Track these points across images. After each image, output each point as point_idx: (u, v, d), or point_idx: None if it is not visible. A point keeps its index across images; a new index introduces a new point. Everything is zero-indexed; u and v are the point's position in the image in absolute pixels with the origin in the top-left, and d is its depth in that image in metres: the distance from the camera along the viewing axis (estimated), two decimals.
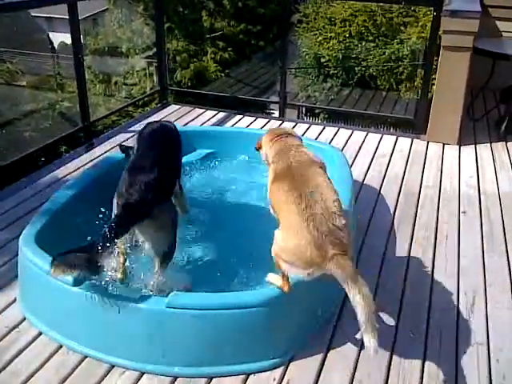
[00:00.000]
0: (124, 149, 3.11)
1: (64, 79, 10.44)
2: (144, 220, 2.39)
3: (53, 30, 18.26)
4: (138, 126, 4.90)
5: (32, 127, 8.77)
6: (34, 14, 15.49)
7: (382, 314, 2.63)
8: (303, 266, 2.09)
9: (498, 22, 5.61)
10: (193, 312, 2.21)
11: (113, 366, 2.29)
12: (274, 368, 2.30)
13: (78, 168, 4.02)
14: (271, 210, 2.42)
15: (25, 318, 2.54)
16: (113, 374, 2.26)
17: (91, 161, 4.13)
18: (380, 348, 2.39)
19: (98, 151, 4.36)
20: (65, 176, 3.90)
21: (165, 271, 2.55)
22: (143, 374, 2.26)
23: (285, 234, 2.16)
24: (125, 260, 2.63)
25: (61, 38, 15.80)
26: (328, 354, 2.38)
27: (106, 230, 2.23)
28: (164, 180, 2.58)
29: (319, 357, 2.36)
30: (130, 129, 4.89)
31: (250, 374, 2.27)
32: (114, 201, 2.50)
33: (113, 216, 2.46)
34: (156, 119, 5.04)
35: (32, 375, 2.24)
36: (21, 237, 2.62)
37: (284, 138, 2.58)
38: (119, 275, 2.63)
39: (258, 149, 2.72)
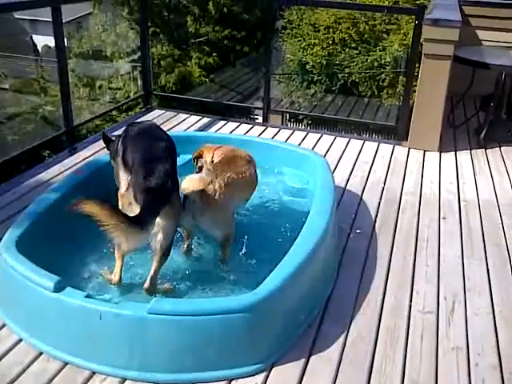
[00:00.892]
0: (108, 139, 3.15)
1: (47, 83, 10.36)
2: (165, 206, 2.45)
3: (36, 32, 18.12)
4: (122, 131, 4.88)
5: (14, 131, 8.69)
6: (17, 17, 15.37)
7: (363, 317, 2.66)
8: None
9: (477, 31, 5.71)
10: (174, 318, 2.21)
11: (94, 373, 2.27)
12: (257, 373, 2.30)
13: (61, 172, 4.00)
14: None
15: (4, 325, 2.51)
16: (94, 381, 2.24)
17: (74, 165, 4.11)
18: (361, 352, 2.44)
19: (81, 155, 4.33)
20: (48, 180, 3.87)
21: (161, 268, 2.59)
22: (125, 380, 2.25)
23: None
24: (122, 264, 2.63)
25: (44, 40, 15.68)
26: (310, 358, 2.39)
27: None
28: (175, 169, 2.68)
29: (302, 361, 2.37)
30: (114, 133, 4.86)
31: (233, 379, 2.27)
32: (128, 192, 2.52)
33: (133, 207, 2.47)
34: None
35: (12, 382, 2.21)
36: (1, 242, 2.59)
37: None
38: (116, 278, 2.63)
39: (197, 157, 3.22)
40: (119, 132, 4.80)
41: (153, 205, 2.42)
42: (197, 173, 3.20)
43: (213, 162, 3.09)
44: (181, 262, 2.92)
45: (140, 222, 2.34)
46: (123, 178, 2.72)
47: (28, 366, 2.29)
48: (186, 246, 2.96)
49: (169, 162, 2.62)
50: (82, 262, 2.82)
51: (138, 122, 3.14)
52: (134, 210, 2.44)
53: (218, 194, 2.72)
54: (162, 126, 4.90)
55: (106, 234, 2.33)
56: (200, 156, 3.22)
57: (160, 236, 2.50)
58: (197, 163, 3.25)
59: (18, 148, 4.58)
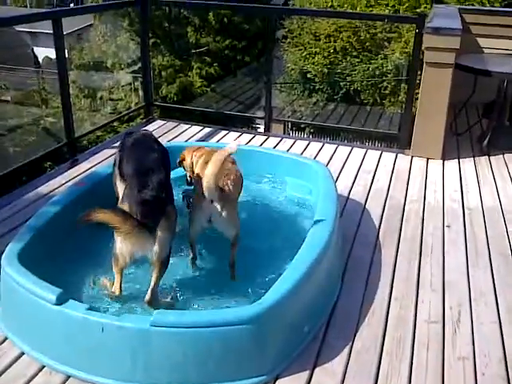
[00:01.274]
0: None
1: (49, 94, 10.41)
2: (161, 217, 2.48)
3: (37, 44, 18.23)
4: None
5: (16, 143, 8.72)
6: (18, 29, 15.47)
7: (368, 327, 2.63)
8: None
9: (479, 39, 5.71)
10: (177, 330, 2.19)
11: None
12: None
13: (63, 184, 3.99)
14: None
15: (6, 338, 2.49)
16: None
17: (76, 177, 4.10)
18: (366, 363, 2.41)
19: (82, 167, 4.33)
20: (49, 192, 3.87)
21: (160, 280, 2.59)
22: None
23: None
24: (121, 278, 2.62)
25: (45, 52, 15.77)
26: (315, 370, 2.36)
27: None
28: (169, 180, 2.72)
29: (306, 373, 2.34)
30: (115, 144, 4.86)
31: None
32: (125, 205, 2.52)
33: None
34: None
35: None
36: (3, 255, 2.58)
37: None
38: (116, 292, 2.62)
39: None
40: (119, 143, 4.84)
41: (151, 215, 2.46)
42: (188, 182, 3.27)
43: (192, 163, 3.17)
44: (183, 273, 2.90)
45: (145, 226, 2.40)
46: (120, 188, 2.76)
47: (30, 380, 2.27)
48: (192, 255, 2.94)
49: (162, 173, 2.66)
50: (85, 275, 2.79)
51: (134, 132, 3.19)
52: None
53: (231, 193, 2.79)
54: (163, 137, 4.98)
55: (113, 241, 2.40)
56: (183, 159, 3.29)
57: (156, 248, 2.50)
58: (182, 167, 3.33)
59: (19, 160, 4.58)
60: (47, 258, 2.71)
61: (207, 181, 2.65)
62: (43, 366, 2.34)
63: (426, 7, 8.31)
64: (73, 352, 2.31)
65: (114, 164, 2.97)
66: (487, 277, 3.10)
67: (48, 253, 2.75)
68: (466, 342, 2.57)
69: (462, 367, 2.43)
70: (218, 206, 2.71)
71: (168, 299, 2.64)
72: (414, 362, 2.44)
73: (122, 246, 2.47)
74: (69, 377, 2.29)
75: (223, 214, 2.73)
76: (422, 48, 4.54)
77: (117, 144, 4.79)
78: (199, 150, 3.21)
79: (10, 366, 2.34)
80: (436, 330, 2.64)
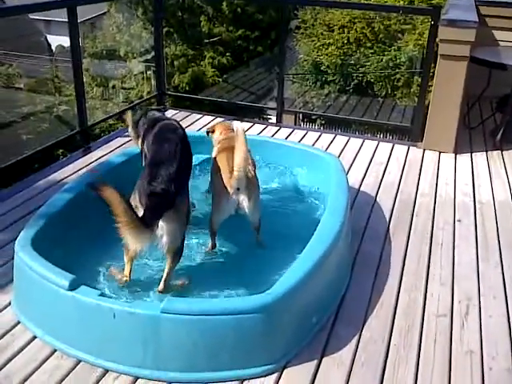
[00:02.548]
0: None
1: (61, 82, 10.45)
2: (169, 210, 2.47)
3: (50, 32, 18.27)
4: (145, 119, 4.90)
5: (29, 130, 8.78)
6: (32, 17, 15.52)
7: (376, 319, 2.65)
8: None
9: (494, 32, 5.65)
10: (187, 317, 2.21)
11: (107, 371, 2.28)
12: (269, 374, 2.30)
13: (75, 172, 4.02)
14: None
15: (19, 322, 2.53)
16: (107, 379, 2.25)
17: (88, 164, 4.14)
18: (374, 354, 2.42)
19: (94, 155, 4.36)
20: (62, 179, 3.90)
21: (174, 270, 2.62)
22: (137, 378, 2.25)
23: None
24: (131, 267, 2.66)
25: (58, 40, 15.81)
26: (322, 361, 2.38)
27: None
28: (185, 172, 2.70)
29: (314, 363, 2.36)
30: (127, 133, 4.88)
31: (245, 379, 2.27)
32: (135, 195, 2.54)
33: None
34: None
35: (26, 379, 2.23)
36: (17, 240, 2.61)
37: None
38: (124, 279, 2.65)
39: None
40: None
41: (155, 208, 2.45)
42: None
43: (217, 141, 3.30)
44: (196, 260, 2.92)
45: (144, 222, 2.38)
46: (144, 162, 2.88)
47: (42, 363, 2.31)
48: (212, 244, 2.97)
49: (175, 166, 2.61)
50: (98, 261, 2.83)
51: (160, 117, 3.17)
52: (139, 213, 2.46)
53: (255, 179, 2.87)
54: None
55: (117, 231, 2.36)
56: (212, 132, 3.43)
57: (165, 239, 2.52)
58: (209, 136, 3.46)
59: (32, 147, 4.62)
60: (60, 243, 2.74)
61: (237, 169, 2.71)
62: (55, 350, 2.38)
63: None
64: (84, 337, 2.35)
65: (142, 142, 3.02)
66: (497, 271, 3.09)
67: (61, 239, 2.78)
68: (474, 336, 2.58)
69: (470, 361, 2.43)
70: (246, 194, 2.78)
71: (180, 282, 2.67)
72: (421, 354, 2.45)
73: (125, 238, 2.47)
74: (80, 361, 2.33)
75: (251, 201, 2.81)
76: (437, 40, 4.51)
77: (128, 133, 4.86)
78: (226, 133, 3.29)
79: (22, 349, 2.39)
80: (444, 324, 2.65)
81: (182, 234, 2.60)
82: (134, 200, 2.54)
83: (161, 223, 2.48)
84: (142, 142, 3.03)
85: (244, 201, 2.80)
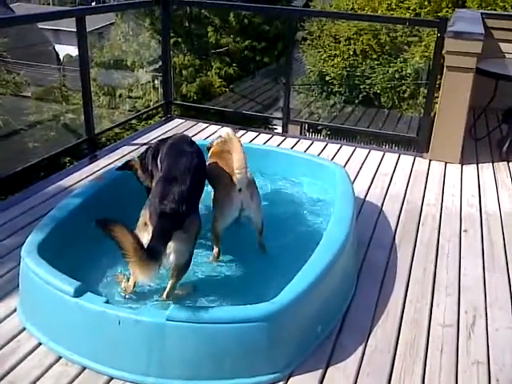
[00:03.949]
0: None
1: (69, 91, 10.53)
2: (178, 230, 2.43)
3: (59, 42, 18.43)
4: (142, 139, 4.94)
5: (36, 138, 8.83)
6: (41, 26, 15.65)
7: (382, 329, 2.64)
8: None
9: (500, 44, 5.67)
10: (193, 325, 2.21)
11: (112, 379, 2.28)
12: (274, 383, 2.29)
13: (82, 179, 4.04)
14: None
15: (24, 328, 2.53)
16: None
17: (94, 172, 4.15)
18: (379, 364, 2.41)
19: (101, 163, 4.38)
20: (68, 187, 3.92)
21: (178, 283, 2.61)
22: None
23: None
24: (135, 283, 2.65)
25: (66, 50, 15.95)
26: (328, 369, 2.37)
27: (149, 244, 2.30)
28: (194, 191, 2.62)
29: (319, 372, 2.35)
30: (134, 142, 4.92)
31: None
32: (146, 212, 2.51)
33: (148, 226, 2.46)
34: (160, 133, 5.11)
35: None
36: (23, 247, 2.62)
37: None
38: (129, 290, 2.65)
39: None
40: (140, 140, 4.91)
41: (164, 231, 2.39)
42: None
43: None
44: (199, 270, 2.92)
45: (153, 257, 2.29)
46: (155, 177, 2.84)
47: (47, 370, 2.31)
48: (216, 251, 2.96)
49: (187, 183, 2.55)
50: (103, 268, 2.83)
51: (172, 137, 3.09)
52: (148, 231, 2.43)
53: (253, 180, 2.90)
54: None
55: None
56: (210, 147, 3.41)
57: (172, 258, 2.48)
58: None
59: (39, 155, 4.64)
60: (66, 250, 2.75)
61: (238, 170, 2.73)
62: (60, 357, 2.38)
63: (447, 11, 8.27)
64: (89, 344, 2.35)
65: (150, 153, 2.98)
66: (504, 282, 3.08)
67: (67, 245, 2.79)
68: (481, 347, 2.56)
69: (476, 372, 2.42)
70: (249, 193, 2.81)
71: (183, 291, 2.67)
72: (427, 364, 2.44)
73: (133, 272, 2.42)
74: (84, 368, 2.32)
75: (254, 200, 2.85)
76: (443, 52, 4.52)
77: (135, 141, 4.89)
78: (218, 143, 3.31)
79: (27, 355, 2.39)
80: (450, 334, 2.63)
81: (189, 254, 2.56)
82: (145, 216, 2.51)
83: (169, 243, 2.42)
84: (154, 165, 2.92)
85: (247, 200, 2.82)
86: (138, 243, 2.26)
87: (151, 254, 2.28)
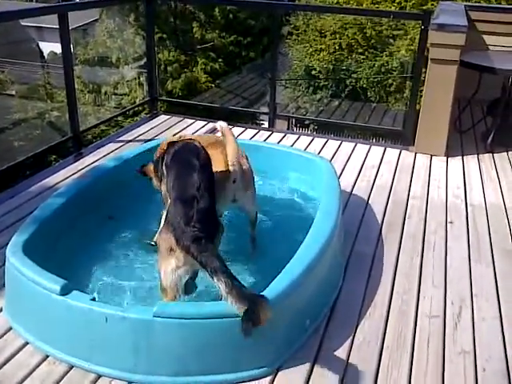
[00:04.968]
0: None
1: (53, 89, 10.44)
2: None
3: (42, 39, 18.24)
4: (128, 136, 4.91)
5: (21, 136, 8.76)
6: (24, 24, 15.49)
7: (369, 321, 2.65)
8: None
9: (484, 36, 5.70)
10: (180, 321, 2.21)
11: (99, 376, 2.27)
12: (262, 377, 2.29)
13: (67, 177, 4.01)
14: None
15: (11, 328, 2.51)
16: None
17: (80, 170, 4.13)
18: (367, 356, 2.42)
19: (87, 161, 4.35)
20: (54, 185, 3.89)
21: None
22: (130, 383, 2.24)
23: None
24: None
25: (50, 47, 15.80)
26: (316, 364, 2.37)
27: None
28: (214, 205, 2.50)
29: (307, 366, 2.36)
30: (119, 138, 4.90)
31: (238, 383, 2.26)
32: (169, 236, 2.33)
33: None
34: (146, 129, 5.08)
35: None
36: (8, 246, 2.60)
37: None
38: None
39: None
40: (125, 137, 4.88)
41: (215, 256, 2.22)
42: None
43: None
44: None
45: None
46: (167, 199, 2.68)
47: (34, 369, 2.29)
48: None
49: (207, 200, 2.42)
50: (89, 266, 2.82)
51: (178, 143, 2.88)
52: (177, 257, 2.30)
53: (249, 169, 2.93)
54: (167, 132, 4.99)
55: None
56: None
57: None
58: None
59: (24, 153, 4.60)
60: (52, 249, 2.74)
61: (232, 163, 2.74)
62: (47, 356, 2.36)
63: (432, 4, 8.30)
64: (76, 342, 2.33)
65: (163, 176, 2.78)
66: (489, 273, 3.10)
67: (52, 244, 2.78)
68: (467, 337, 2.58)
69: (463, 362, 2.44)
70: (241, 184, 2.82)
71: None
72: (414, 355, 2.45)
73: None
74: (72, 367, 2.31)
75: (247, 191, 2.87)
76: (427, 44, 4.54)
77: (121, 138, 4.86)
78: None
79: (14, 355, 2.37)
80: (437, 325, 2.65)
81: None
82: (168, 242, 2.32)
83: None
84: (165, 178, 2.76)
85: (240, 191, 2.84)
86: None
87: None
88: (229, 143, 2.81)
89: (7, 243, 2.64)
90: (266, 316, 2.09)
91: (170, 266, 2.31)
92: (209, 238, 2.30)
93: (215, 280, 2.14)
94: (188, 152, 2.71)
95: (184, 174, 2.55)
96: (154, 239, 2.84)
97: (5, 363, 2.32)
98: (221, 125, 2.90)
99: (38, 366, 2.32)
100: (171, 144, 2.85)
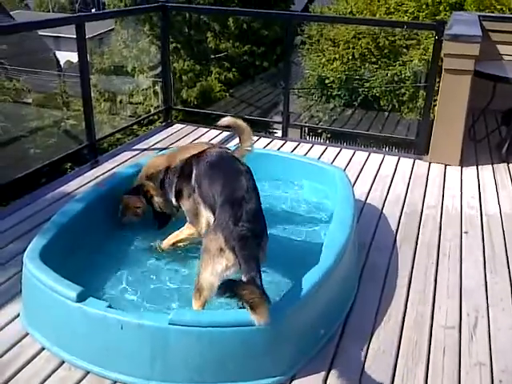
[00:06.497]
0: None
1: (69, 97, 10.56)
2: (260, 253, 2.38)
3: (59, 48, 18.48)
4: (143, 145, 4.96)
5: (37, 144, 8.85)
6: (41, 33, 15.70)
7: (384, 331, 2.64)
8: None
9: (498, 46, 5.69)
10: (195, 329, 2.22)
11: (115, 382, 2.29)
12: None
13: (83, 185, 4.05)
14: None
15: (27, 334, 2.54)
16: None
17: (96, 178, 4.17)
18: (382, 366, 2.41)
19: (102, 169, 4.39)
20: (69, 193, 3.93)
21: None
22: None
23: None
24: None
25: (67, 56, 16.00)
26: (330, 373, 2.37)
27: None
28: (261, 207, 2.54)
29: (321, 375, 2.35)
30: (135, 147, 4.94)
31: None
32: (218, 237, 2.36)
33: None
34: (160, 138, 5.13)
35: None
36: (25, 252, 2.63)
37: None
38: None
39: None
40: (140, 146, 4.91)
41: (255, 258, 2.29)
42: None
43: None
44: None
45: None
46: (203, 215, 2.72)
47: (50, 375, 2.32)
48: None
49: (255, 202, 2.47)
50: (106, 273, 2.84)
51: (214, 150, 2.92)
52: (226, 258, 2.33)
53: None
54: (181, 140, 5.02)
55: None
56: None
57: None
58: None
59: (40, 161, 4.66)
60: (69, 255, 2.76)
61: (248, 146, 2.98)
62: (63, 362, 2.38)
63: (445, 14, 8.29)
64: (92, 348, 2.35)
65: (192, 190, 2.80)
66: (505, 283, 3.08)
67: (69, 251, 2.80)
68: (483, 349, 2.57)
69: (479, 373, 2.42)
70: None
71: None
72: (429, 366, 2.44)
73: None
74: (88, 372, 2.33)
75: None
76: (441, 55, 4.54)
77: (136, 146, 4.91)
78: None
79: (30, 360, 2.39)
80: (452, 336, 2.64)
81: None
82: (218, 242, 2.35)
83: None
84: (185, 186, 2.82)
85: None
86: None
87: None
88: (245, 130, 2.96)
89: (24, 249, 2.67)
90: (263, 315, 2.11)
91: (221, 266, 2.33)
92: (255, 238, 2.33)
93: (243, 277, 2.19)
94: (226, 160, 2.79)
95: (230, 179, 2.60)
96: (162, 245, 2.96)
97: (21, 368, 2.34)
98: (226, 119, 3.01)
99: (54, 371, 2.34)
100: (191, 157, 2.86)
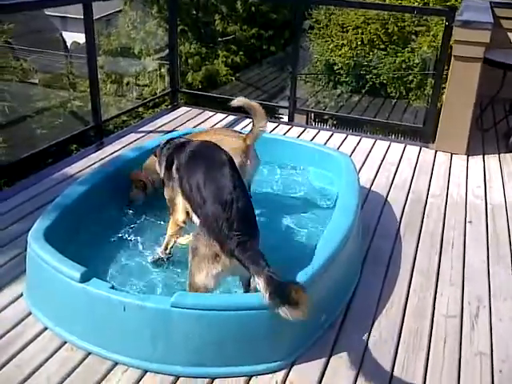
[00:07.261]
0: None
1: (76, 78, 10.52)
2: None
3: (66, 29, 18.37)
4: (148, 127, 4.94)
5: (43, 124, 8.84)
6: (48, 13, 15.61)
7: (385, 318, 2.65)
8: None
9: (509, 34, 5.61)
10: (197, 312, 2.23)
11: (116, 364, 2.30)
12: (277, 371, 2.31)
13: (88, 166, 4.05)
14: None
15: (30, 313, 2.56)
16: (116, 371, 2.27)
17: (101, 159, 4.16)
18: (383, 353, 2.42)
19: (108, 150, 4.39)
20: (75, 174, 3.94)
21: None
22: (146, 372, 2.27)
23: None
24: None
25: (74, 37, 15.90)
26: (331, 359, 2.38)
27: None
28: (251, 204, 2.47)
29: (322, 361, 2.36)
30: (140, 129, 4.93)
31: (253, 375, 2.28)
32: (211, 242, 2.31)
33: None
34: (166, 120, 5.11)
35: (36, 369, 2.25)
36: (30, 232, 2.64)
37: None
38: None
39: None
40: (146, 128, 4.91)
41: (258, 255, 2.24)
42: None
43: None
44: None
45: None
46: (181, 205, 2.68)
47: (52, 354, 2.34)
48: None
49: (244, 200, 2.39)
50: (109, 254, 2.86)
51: (191, 142, 2.83)
52: (223, 263, 2.30)
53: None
54: (187, 124, 5.01)
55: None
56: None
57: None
58: None
59: (46, 141, 4.66)
60: (73, 236, 2.77)
61: (262, 128, 3.04)
62: (65, 342, 2.40)
63: (456, 0, 8.18)
64: (95, 329, 2.37)
65: (171, 179, 2.75)
66: (508, 273, 3.07)
67: (74, 231, 2.81)
68: (484, 338, 2.57)
69: (479, 363, 2.42)
70: (248, 165, 3.05)
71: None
72: (430, 354, 2.45)
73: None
74: (89, 353, 2.35)
75: (253, 168, 3.10)
76: (451, 41, 4.49)
77: (141, 129, 4.90)
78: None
79: (33, 340, 2.41)
80: (454, 325, 2.64)
81: None
82: (212, 247, 2.30)
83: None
84: (177, 180, 2.69)
85: (248, 174, 3.06)
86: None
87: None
88: (258, 110, 3.01)
89: (29, 229, 2.68)
90: (304, 302, 2.10)
91: (216, 270, 2.31)
92: (252, 238, 2.31)
93: (256, 278, 2.16)
94: (209, 151, 2.66)
95: (214, 175, 2.47)
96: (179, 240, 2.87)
97: (24, 347, 2.37)
98: (239, 99, 3.07)
99: (56, 351, 2.36)
100: (179, 146, 2.78)
